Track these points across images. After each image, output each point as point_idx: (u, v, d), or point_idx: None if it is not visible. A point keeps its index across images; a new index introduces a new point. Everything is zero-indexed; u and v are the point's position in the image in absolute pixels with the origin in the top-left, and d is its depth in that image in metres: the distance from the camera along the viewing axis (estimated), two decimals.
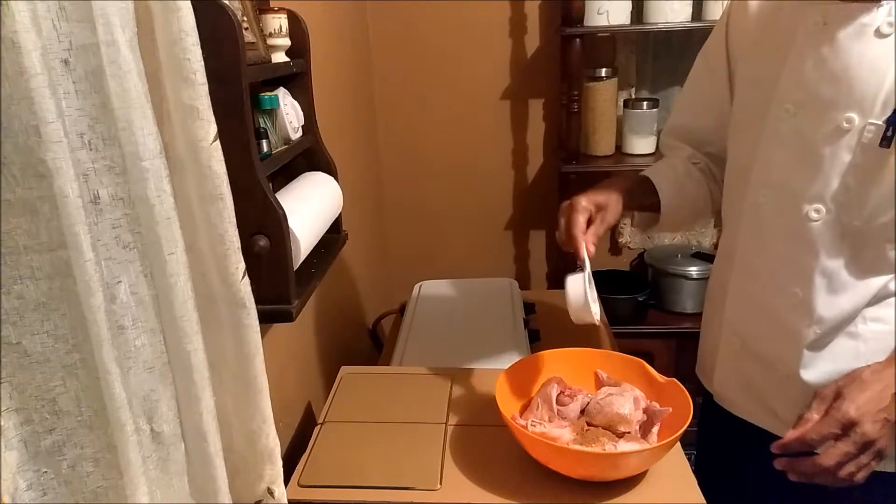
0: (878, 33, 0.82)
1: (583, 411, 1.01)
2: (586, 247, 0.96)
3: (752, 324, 1.00)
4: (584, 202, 0.99)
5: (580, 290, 0.94)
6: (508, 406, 0.98)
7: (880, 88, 0.82)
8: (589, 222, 0.98)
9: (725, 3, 1.06)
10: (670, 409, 0.96)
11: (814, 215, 0.88)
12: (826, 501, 0.91)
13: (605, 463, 0.90)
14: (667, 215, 1.09)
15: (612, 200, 1.01)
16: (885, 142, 0.81)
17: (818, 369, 0.93)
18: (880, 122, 0.82)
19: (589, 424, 0.98)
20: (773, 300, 0.95)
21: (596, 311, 0.96)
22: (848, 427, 0.78)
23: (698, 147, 1.13)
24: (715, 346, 1.07)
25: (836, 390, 0.81)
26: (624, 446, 0.92)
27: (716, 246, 2.09)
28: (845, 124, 0.84)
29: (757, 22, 0.97)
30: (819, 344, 0.93)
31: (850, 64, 0.83)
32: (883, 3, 0.82)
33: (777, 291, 0.94)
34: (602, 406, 0.98)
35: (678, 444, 0.97)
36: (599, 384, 1.06)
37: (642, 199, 1.08)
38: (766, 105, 0.92)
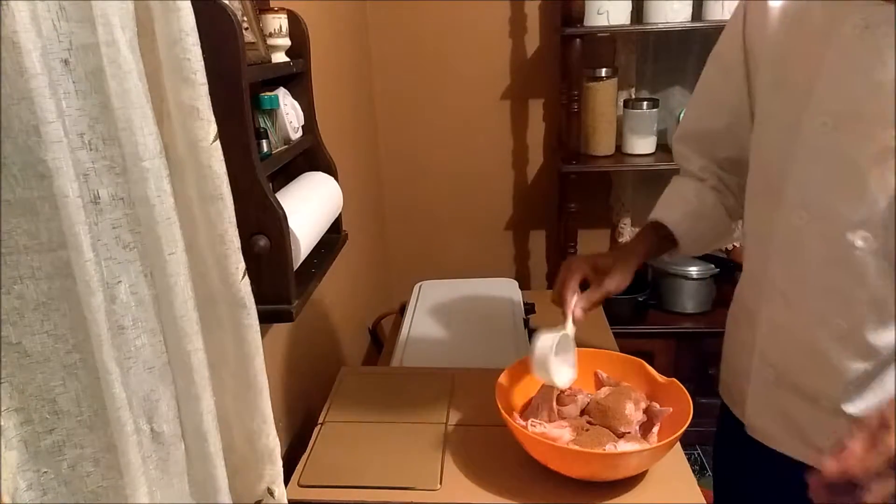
0: None
1: (583, 411, 1.01)
2: (573, 310, 0.94)
3: (789, 355, 0.91)
4: (582, 264, 0.96)
5: (545, 349, 0.91)
6: (508, 406, 0.98)
7: None
8: (588, 284, 0.96)
9: (736, 0, 0.98)
10: (670, 409, 0.96)
11: (860, 244, 0.78)
12: None
13: (605, 463, 0.90)
14: (687, 248, 1.05)
15: (618, 268, 0.96)
16: None
17: (864, 402, 0.85)
18: None
19: (589, 424, 0.98)
20: (814, 331, 0.86)
21: (564, 378, 0.94)
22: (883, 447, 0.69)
23: (712, 154, 1.05)
24: (744, 373, 0.99)
25: (882, 419, 0.70)
26: (624, 446, 0.92)
27: None
28: (889, 143, 0.74)
29: (781, 21, 0.86)
30: (866, 377, 0.84)
31: (892, 75, 0.73)
32: None
33: (818, 322, 0.85)
34: (602, 406, 0.98)
35: (678, 444, 0.97)
36: (599, 384, 1.06)
37: (661, 245, 1.04)
38: (797, 116, 0.82)
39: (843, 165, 0.79)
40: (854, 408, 0.85)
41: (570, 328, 0.96)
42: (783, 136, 0.85)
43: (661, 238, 1.04)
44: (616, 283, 0.96)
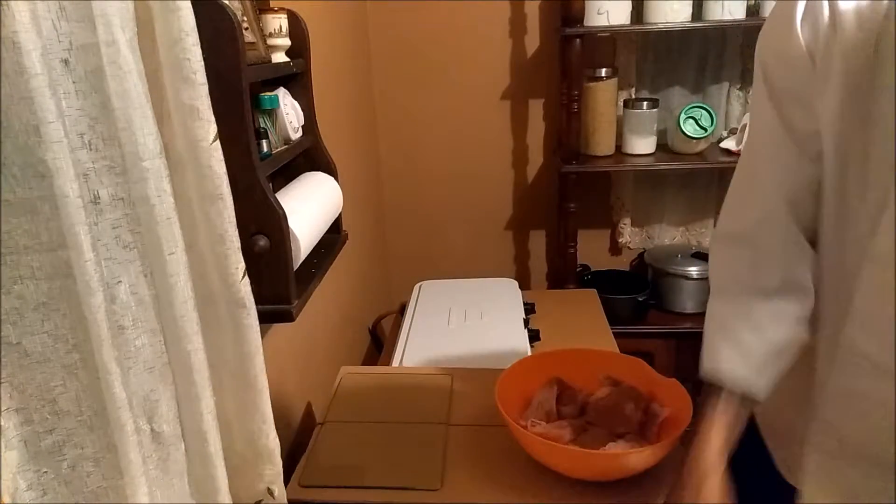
0: None
1: (583, 411, 1.01)
2: None
3: (869, 429, 0.73)
4: None
5: None
6: (508, 406, 0.98)
7: None
8: None
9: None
10: (670, 409, 0.96)
11: None
12: None
13: (605, 463, 0.90)
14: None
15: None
16: None
17: None
18: None
19: (589, 424, 0.98)
20: None
21: None
22: None
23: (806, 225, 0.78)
24: (797, 433, 0.81)
25: None
26: (624, 446, 0.92)
27: None
28: None
29: (859, 40, 0.64)
30: None
31: None
32: None
33: None
34: (602, 406, 0.98)
35: (678, 444, 0.97)
36: (599, 384, 1.06)
37: (747, 415, 0.81)
38: (890, 159, 0.63)
39: None
40: None
41: None
42: (873, 180, 0.67)
43: (738, 414, 0.79)
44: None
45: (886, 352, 0.68)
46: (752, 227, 0.80)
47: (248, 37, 0.91)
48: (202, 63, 0.60)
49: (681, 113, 1.91)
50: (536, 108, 2.16)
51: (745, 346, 0.79)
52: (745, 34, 1.97)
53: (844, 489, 0.77)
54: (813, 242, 0.78)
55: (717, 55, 2.03)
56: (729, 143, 1.96)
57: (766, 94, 0.74)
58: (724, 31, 1.98)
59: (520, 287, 1.71)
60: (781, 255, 0.79)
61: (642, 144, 2.00)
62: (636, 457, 0.90)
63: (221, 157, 0.64)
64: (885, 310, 0.67)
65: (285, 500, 0.80)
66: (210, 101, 0.62)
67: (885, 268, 0.66)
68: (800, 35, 0.68)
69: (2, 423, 0.50)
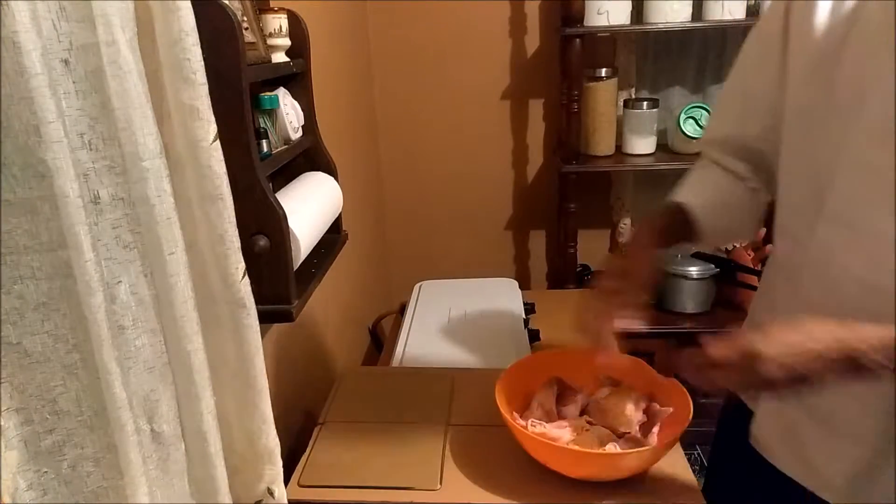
0: None
1: (583, 411, 1.01)
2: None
3: None
4: (604, 286, 0.88)
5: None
6: (508, 406, 0.98)
7: None
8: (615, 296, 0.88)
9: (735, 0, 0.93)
10: (670, 410, 0.96)
11: None
12: None
13: (605, 463, 0.90)
14: (707, 239, 0.96)
15: (635, 265, 0.89)
16: None
17: (881, 428, 0.79)
18: None
19: (589, 424, 0.98)
20: None
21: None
22: (753, 358, 0.71)
23: (757, 158, 0.93)
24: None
25: (769, 326, 0.73)
26: (624, 446, 0.92)
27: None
28: None
29: (832, 20, 0.78)
30: (889, 404, 0.77)
31: None
32: None
33: None
34: (602, 406, 0.98)
35: (678, 444, 0.97)
36: (599, 384, 1.06)
37: (677, 231, 0.94)
38: (844, 126, 0.75)
39: (889, 181, 0.71)
40: (871, 436, 0.80)
41: None
42: (827, 144, 0.77)
43: (677, 223, 0.94)
44: (643, 278, 0.89)
45: (828, 310, 0.75)
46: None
47: (248, 37, 0.91)
48: (202, 63, 0.60)
49: (681, 113, 1.91)
50: (536, 108, 2.16)
51: (699, 187, 0.97)
52: (745, 34, 1.97)
53: (788, 430, 0.87)
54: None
55: (717, 55, 2.03)
56: None
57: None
58: (724, 31, 1.98)
59: (520, 287, 1.71)
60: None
61: (642, 144, 2.00)
62: (636, 457, 0.90)
63: (221, 157, 0.64)
64: (830, 270, 0.78)
65: (285, 500, 0.80)
66: (210, 101, 0.62)
67: (830, 229, 0.78)
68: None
69: (2, 423, 0.50)
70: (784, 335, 0.71)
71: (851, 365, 0.68)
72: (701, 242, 0.97)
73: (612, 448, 0.92)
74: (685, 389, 0.96)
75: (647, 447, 0.91)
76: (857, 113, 0.74)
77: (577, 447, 0.92)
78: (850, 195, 0.76)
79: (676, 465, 0.96)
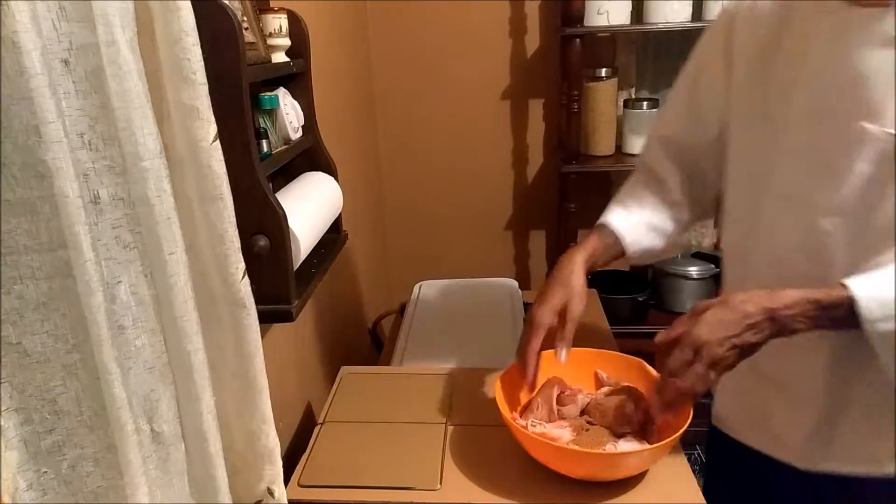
0: (890, 40, 0.77)
1: (583, 411, 1.00)
2: (557, 353, 0.95)
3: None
4: (546, 313, 0.95)
5: None
6: (508, 406, 0.98)
7: (893, 97, 0.77)
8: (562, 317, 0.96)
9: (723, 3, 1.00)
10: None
11: (831, 229, 0.84)
12: None
13: (605, 463, 0.90)
14: (633, 257, 1.06)
15: (575, 290, 0.96)
16: None
17: (831, 389, 0.89)
18: (894, 132, 0.78)
19: (589, 424, 0.98)
20: None
21: None
22: (699, 348, 0.80)
23: (689, 166, 1.05)
24: None
25: (703, 309, 0.82)
26: (624, 446, 0.92)
27: (716, 246, 2.09)
28: (862, 134, 0.80)
29: (769, 23, 0.91)
30: (833, 363, 0.88)
31: (865, 71, 0.79)
32: (893, 6, 0.77)
33: None
34: (602, 406, 0.98)
35: (678, 444, 0.97)
36: (599, 384, 1.06)
37: (611, 254, 1.04)
38: (783, 112, 0.87)
39: (820, 157, 0.84)
40: (820, 396, 0.89)
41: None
42: (766, 132, 0.90)
43: (607, 247, 1.03)
44: (579, 309, 0.96)
45: (774, 277, 0.88)
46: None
47: (248, 37, 0.91)
48: (202, 63, 0.60)
49: None
50: (536, 108, 2.16)
51: (629, 210, 1.06)
52: None
53: (748, 402, 0.98)
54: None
55: None
56: None
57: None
58: None
59: (520, 287, 1.70)
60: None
61: (642, 144, 2.00)
62: (636, 457, 0.90)
63: (221, 157, 0.64)
64: (774, 240, 0.90)
65: (285, 500, 0.80)
66: (210, 101, 0.62)
67: (773, 203, 0.89)
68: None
69: (2, 423, 0.50)
70: (718, 315, 0.81)
71: (777, 326, 0.79)
72: (630, 259, 1.06)
73: (612, 448, 0.92)
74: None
75: (647, 447, 0.91)
76: (789, 100, 0.86)
77: (576, 447, 0.92)
78: (789, 175, 0.87)
79: (676, 465, 0.96)
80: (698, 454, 1.98)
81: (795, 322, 0.79)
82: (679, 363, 0.82)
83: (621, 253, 1.04)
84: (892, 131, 0.78)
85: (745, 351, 0.80)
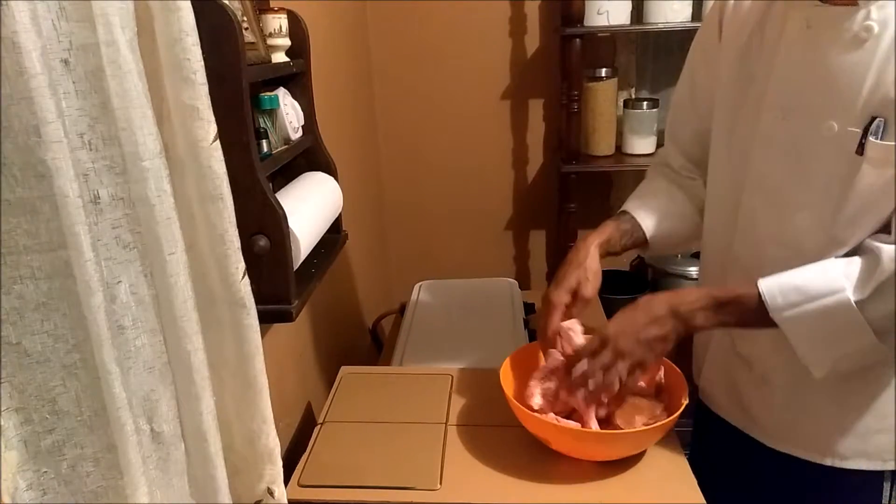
0: (856, 38, 0.79)
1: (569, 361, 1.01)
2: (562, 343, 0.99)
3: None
4: (561, 294, 0.98)
5: None
6: (513, 392, 0.99)
7: (859, 95, 0.80)
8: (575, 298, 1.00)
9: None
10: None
11: (804, 223, 0.87)
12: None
13: (623, 440, 0.92)
14: (655, 247, 1.10)
15: (589, 272, 1.00)
16: (860, 149, 0.80)
17: (789, 371, 0.92)
18: (857, 130, 0.80)
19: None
20: None
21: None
22: (605, 343, 0.89)
23: (695, 155, 1.09)
24: (707, 342, 1.08)
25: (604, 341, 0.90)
26: (643, 402, 0.96)
27: None
28: (827, 132, 0.83)
29: (750, 19, 0.94)
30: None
31: (831, 69, 0.82)
32: (860, 6, 0.79)
33: None
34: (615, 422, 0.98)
35: (678, 443, 0.97)
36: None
37: (626, 239, 1.07)
38: (757, 107, 0.91)
39: (792, 152, 0.87)
40: (782, 375, 0.94)
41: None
42: (746, 125, 0.93)
43: (624, 232, 1.07)
44: (594, 287, 1.00)
45: (754, 266, 0.91)
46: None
47: (248, 37, 0.91)
48: (202, 63, 0.60)
49: None
50: (536, 108, 2.16)
51: (646, 199, 1.10)
52: None
53: (729, 381, 1.02)
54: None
55: None
56: None
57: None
58: None
59: (520, 287, 1.70)
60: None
61: (642, 144, 2.00)
62: (650, 433, 0.92)
63: (221, 157, 0.64)
64: (752, 230, 0.94)
65: (285, 500, 0.80)
66: (210, 101, 0.62)
67: (751, 195, 0.93)
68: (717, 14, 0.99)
69: (2, 423, 0.50)
70: (627, 313, 0.90)
71: (679, 321, 0.87)
72: (649, 248, 1.10)
73: (632, 402, 0.96)
74: (673, 365, 1.00)
75: (657, 422, 0.93)
76: (764, 96, 0.89)
77: (575, 424, 0.93)
78: (763, 167, 0.91)
79: (676, 465, 0.96)
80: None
81: (696, 317, 0.87)
82: (593, 360, 0.89)
83: (643, 240, 1.07)
84: (858, 130, 0.80)
85: (654, 343, 0.87)
